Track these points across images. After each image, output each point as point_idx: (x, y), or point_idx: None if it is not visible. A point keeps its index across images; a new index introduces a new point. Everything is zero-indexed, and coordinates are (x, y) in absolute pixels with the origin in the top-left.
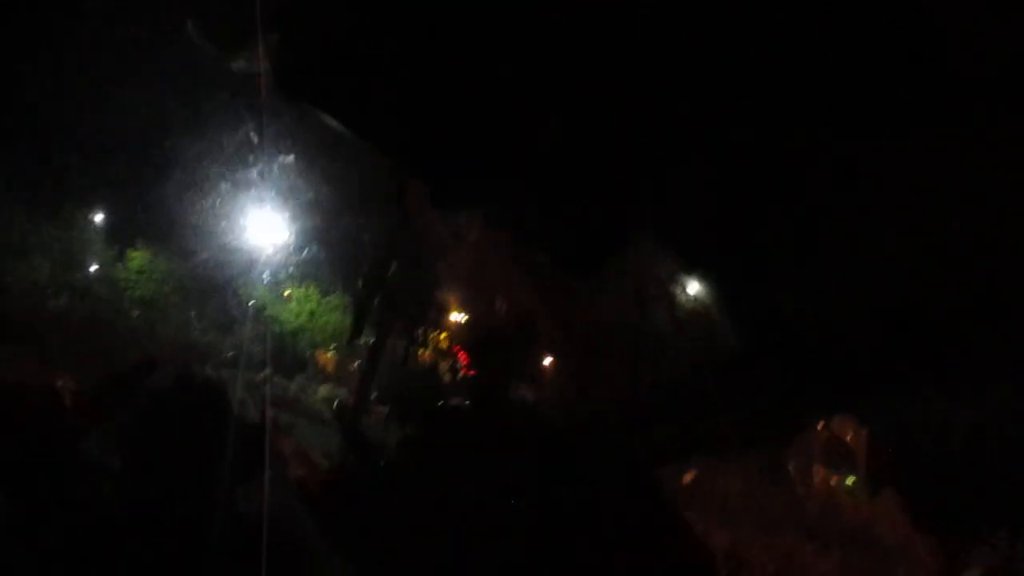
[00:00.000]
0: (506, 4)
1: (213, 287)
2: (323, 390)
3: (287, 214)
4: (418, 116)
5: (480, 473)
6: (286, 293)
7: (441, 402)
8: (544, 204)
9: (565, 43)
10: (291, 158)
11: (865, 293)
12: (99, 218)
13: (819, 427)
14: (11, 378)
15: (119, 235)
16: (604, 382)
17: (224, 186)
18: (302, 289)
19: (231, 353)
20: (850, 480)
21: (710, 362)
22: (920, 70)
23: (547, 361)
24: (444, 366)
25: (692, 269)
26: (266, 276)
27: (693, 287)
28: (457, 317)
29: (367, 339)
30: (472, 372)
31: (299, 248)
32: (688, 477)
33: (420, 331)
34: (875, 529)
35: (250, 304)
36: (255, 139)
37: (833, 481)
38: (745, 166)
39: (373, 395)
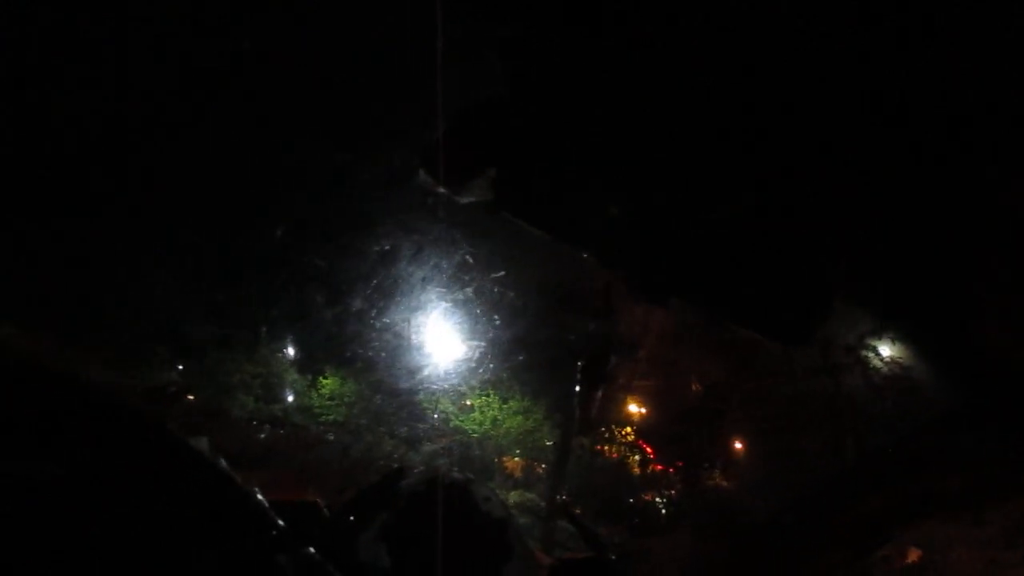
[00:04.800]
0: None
1: (398, 404)
2: (513, 495)
3: (485, 325)
4: (622, 219)
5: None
6: (468, 403)
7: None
8: (738, 285)
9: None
10: (501, 273)
11: None
12: (291, 351)
13: None
14: (275, 495)
15: (310, 364)
16: (803, 458)
17: (431, 303)
18: (483, 398)
19: (420, 468)
20: None
21: (921, 423)
22: None
23: (739, 445)
24: (633, 461)
25: (882, 333)
26: (449, 388)
27: (887, 350)
28: (643, 410)
29: (553, 440)
30: (660, 466)
31: (498, 356)
32: (914, 556)
33: (606, 428)
34: None
35: (435, 417)
36: (471, 260)
37: None
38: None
39: (563, 496)
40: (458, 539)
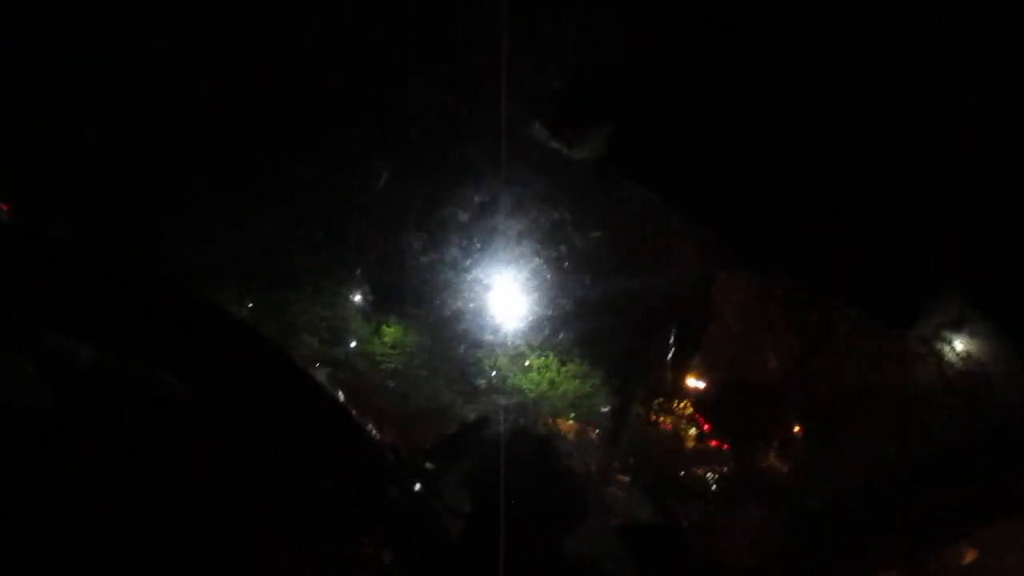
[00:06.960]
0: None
1: (459, 357)
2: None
3: (569, 287)
4: (717, 181)
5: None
6: (527, 363)
7: (683, 472)
8: (845, 259)
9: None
10: (597, 233)
11: None
12: (358, 296)
13: None
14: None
15: (376, 311)
16: (864, 446)
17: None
18: (543, 358)
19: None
20: None
21: (994, 423)
22: None
23: (797, 428)
24: (688, 434)
25: (961, 326)
26: (511, 347)
27: (962, 345)
28: (703, 383)
29: (608, 407)
30: (714, 442)
31: (572, 319)
32: (970, 556)
33: (663, 398)
34: None
35: (493, 374)
36: (570, 217)
37: None
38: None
39: (615, 464)
40: (539, 492)
